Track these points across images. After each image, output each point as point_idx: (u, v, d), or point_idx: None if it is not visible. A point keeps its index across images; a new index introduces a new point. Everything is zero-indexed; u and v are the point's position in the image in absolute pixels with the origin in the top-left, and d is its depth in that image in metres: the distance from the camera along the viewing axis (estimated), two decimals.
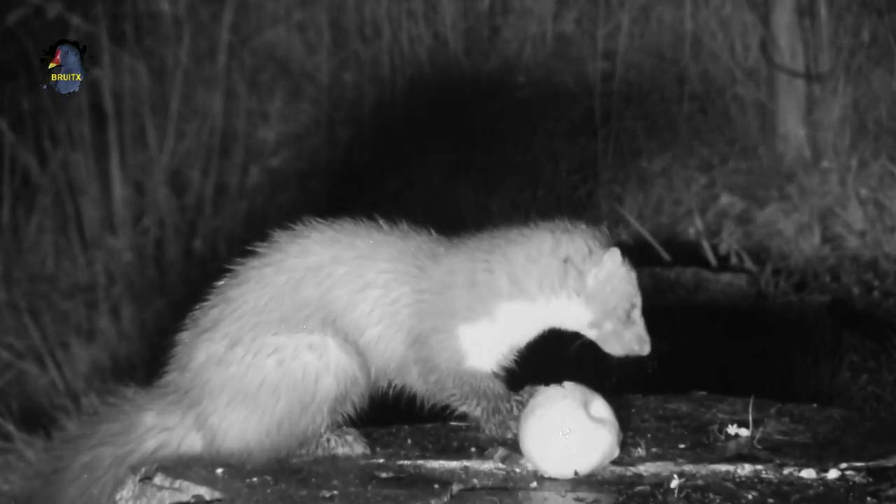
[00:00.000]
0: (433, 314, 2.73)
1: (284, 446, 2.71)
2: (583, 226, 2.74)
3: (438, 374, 2.74)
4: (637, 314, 2.71)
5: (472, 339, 2.74)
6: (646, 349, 2.71)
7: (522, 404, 2.73)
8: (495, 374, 2.79)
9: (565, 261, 2.69)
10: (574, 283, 2.69)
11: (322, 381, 2.70)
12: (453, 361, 2.74)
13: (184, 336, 2.76)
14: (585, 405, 2.64)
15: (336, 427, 2.76)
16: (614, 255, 2.68)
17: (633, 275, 2.70)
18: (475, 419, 2.79)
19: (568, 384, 2.69)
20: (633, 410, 2.94)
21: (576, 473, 2.63)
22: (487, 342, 2.75)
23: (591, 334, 2.73)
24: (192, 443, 2.75)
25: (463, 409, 2.78)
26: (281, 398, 2.69)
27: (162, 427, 2.76)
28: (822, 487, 2.57)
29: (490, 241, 2.75)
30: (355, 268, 2.74)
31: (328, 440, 2.74)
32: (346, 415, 2.76)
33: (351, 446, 2.74)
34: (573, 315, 2.73)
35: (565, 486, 2.59)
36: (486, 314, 2.72)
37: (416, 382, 2.77)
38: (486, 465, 2.70)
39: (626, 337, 2.72)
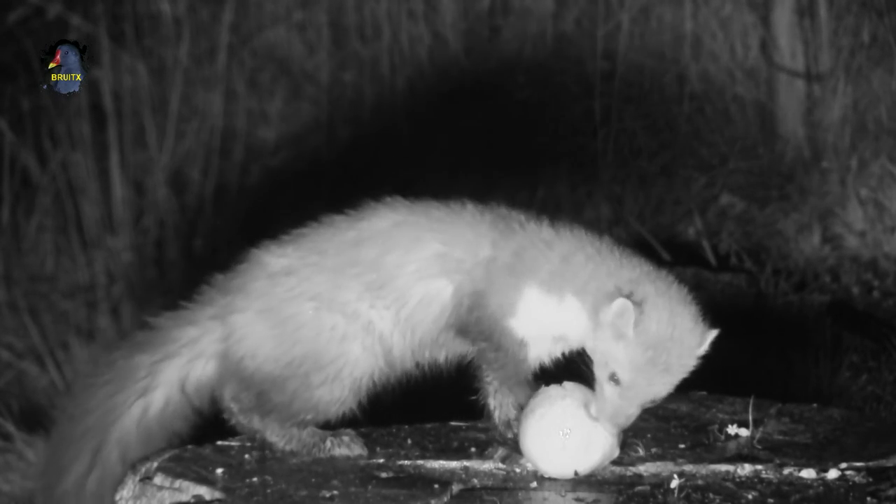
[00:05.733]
0: (511, 264, 2.71)
1: (292, 403, 2.73)
2: (680, 293, 2.67)
3: (481, 311, 2.72)
4: (618, 389, 2.61)
5: (529, 303, 2.72)
6: (601, 417, 2.63)
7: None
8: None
9: (616, 288, 2.64)
10: (597, 308, 2.65)
11: (346, 346, 2.71)
12: (501, 311, 2.72)
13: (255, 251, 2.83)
14: (585, 405, 2.64)
15: (334, 427, 2.78)
16: (623, 308, 2.59)
17: (640, 352, 2.58)
18: (496, 371, 2.77)
19: (568, 384, 2.69)
20: None
21: (576, 473, 2.63)
22: (539, 316, 2.73)
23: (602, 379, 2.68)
24: (217, 351, 2.81)
25: (489, 355, 2.75)
26: (300, 341, 2.73)
27: (203, 332, 2.82)
28: (822, 487, 2.57)
29: (609, 241, 2.74)
30: (418, 230, 2.75)
31: (325, 441, 2.75)
32: (347, 412, 2.78)
33: (348, 447, 2.75)
34: (587, 338, 2.69)
35: (565, 486, 2.59)
36: (559, 294, 2.70)
37: (464, 315, 2.75)
38: (486, 465, 2.70)
39: (599, 396, 2.64)
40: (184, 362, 2.84)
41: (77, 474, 2.86)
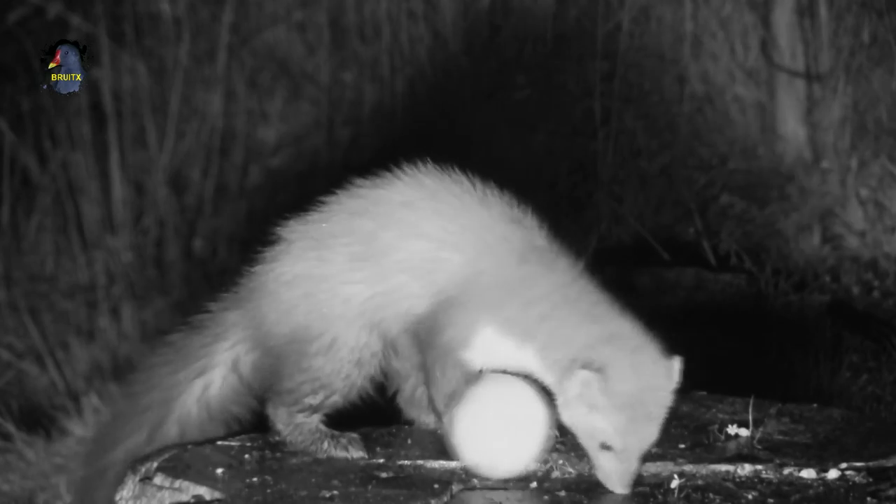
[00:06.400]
0: (472, 294, 2.68)
1: (294, 375, 2.75)
2: (637, 340, 2.61)
3: (436, 339, 2.70)
4: (612, 455, 2.57)
5: (486, 341, 2.69)
6: (610, 486, 2.59)
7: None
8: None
9: (572, 361, 2.59)
10: (561, 382, 2.61)
11: (331, 321, 2.73)
12: (455, 342, 2.69)
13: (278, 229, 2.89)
14: (506, 400, 2.62)
15: (333, 430, 2.78)
16: (586, 379, 2.55)
17: (619, 415, 2.54)
18: (431, 389, 2.78)
19: (497, 376, 2.67)
20: None
21: (505, 473, 2.61)
22: (496, 353, 2.70)
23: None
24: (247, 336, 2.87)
25: (434, 374, 2.74)
26: (293, 320, 2.76)
27: (240, 317, 2.87)
28: (822, 487, 2.57)
29: (577, 290, 2.67)
30: (419, 217, 2.74)
31: (324, 441, 2.75)
32: (358, 391, 2.78)
33: (346, 449, 2.74)
34: (560, 411, 2.65)
35: (565, 486, 2.59)
36: (518, 338, 2.66)
37: (421, 333, 2.74)
38: None
39: (597, 465, 2.61)
40: (230, 344, 2.89)
41: (131, 447, 2.91)
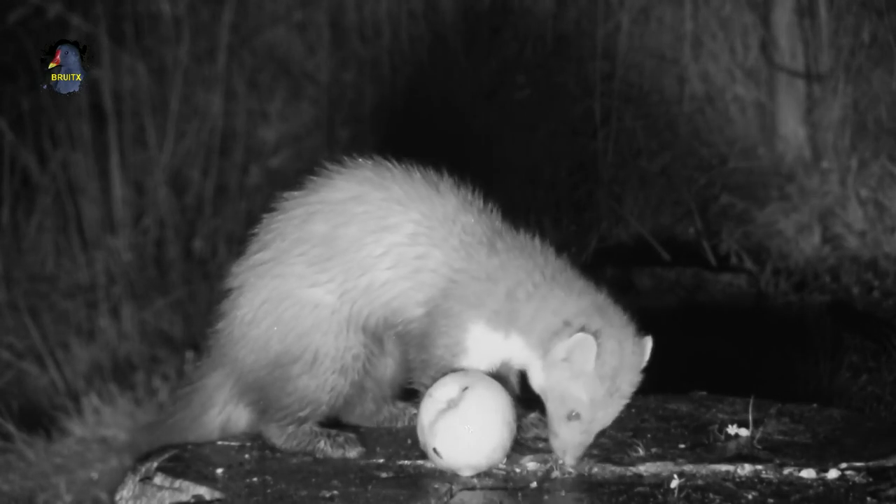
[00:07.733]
0: (455, 297, 2.68)
1: (280, 398, 2.73)
2: (619, 314, 2.64)
3: (427, 354, 2.71)
4: (577, 425, 2.60)
5: (477, 339, 2.70)
6: (561, 460, 2.63)
7: None
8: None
9: (565, 323, 2.63)
10: (546, 346, 2.63)
11: (309, 337, 2.70)
12: (449, 352, 2.70)
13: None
14: (455, 400, 2.62)
15: (329, 429, 2.78)
16: (584, 342, 2.57)
17: (600, 386, 2.58)
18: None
19: (458, 374, 2.67)
20: (633, 410, 2.94)
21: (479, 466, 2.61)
22: (488, 351, 2.71)
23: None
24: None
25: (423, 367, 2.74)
26: (270, 349, 2.73)
27: (223, 383, 2.86)
28: (822, 487, 2.57)
29: (554, 268, 2.68)
30: (378, 209, 2.71)
31: (319, 441, 2.75)
32: (345, 397, 2.77)
33: (343, 447, 2.74)
34: (537, 376, 2.66)
35: (564, 487, 2.59)
36: (504, 328, 2.67)
37: (412, 349, 2.74)
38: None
39: (556, 434, 2.64)
40: (219, 410, 2.89)
41: None
